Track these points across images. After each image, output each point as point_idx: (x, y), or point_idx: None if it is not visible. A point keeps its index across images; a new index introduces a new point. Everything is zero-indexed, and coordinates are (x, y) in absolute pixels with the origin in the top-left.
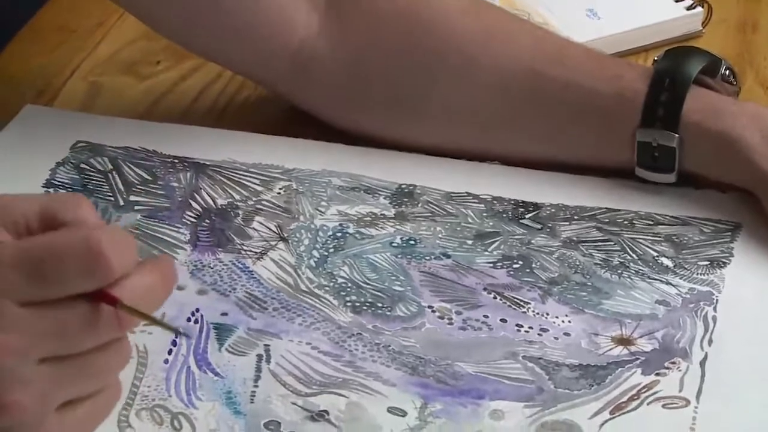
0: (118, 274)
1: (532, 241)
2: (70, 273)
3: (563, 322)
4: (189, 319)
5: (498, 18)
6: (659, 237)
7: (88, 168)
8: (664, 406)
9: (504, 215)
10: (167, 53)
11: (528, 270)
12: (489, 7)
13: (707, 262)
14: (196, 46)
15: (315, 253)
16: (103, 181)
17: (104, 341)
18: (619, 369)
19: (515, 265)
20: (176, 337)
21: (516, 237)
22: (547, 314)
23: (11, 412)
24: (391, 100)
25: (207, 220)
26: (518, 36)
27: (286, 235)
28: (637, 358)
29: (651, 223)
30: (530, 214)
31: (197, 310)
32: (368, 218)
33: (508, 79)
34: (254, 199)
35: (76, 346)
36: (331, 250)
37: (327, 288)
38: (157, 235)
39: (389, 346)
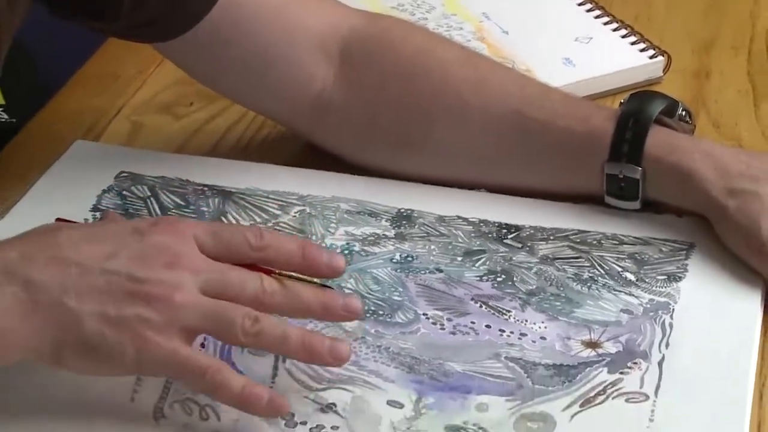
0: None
1: (514, 258)
2: (239, 240)
3: (540, 327)
4: None
5: (487, 67)
6: (623, 255)
7: (130, 195)
8: (626, 400)
9: (489, 235)
10: (199, 96)
11: (510, 283)
12: (480, 57)
13: (665, 277)
14: (226, 92)
15: None
16: (142, 206)
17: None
18: (588, 368)
19: (499, 279)
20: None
21: (499, 254)
22: (526, 321)
23: (161, 301)
24: (396, 139)
25: None
26: (505, 82)
27: None
28: (604, 359)
29: (616, 242)
30: (512, 235)
31: None
32: (371, 238)
33: (496, 120)
34: (273, 221)
35: (229, 293)
36: None
37: None
38: None
39: (389, 348)
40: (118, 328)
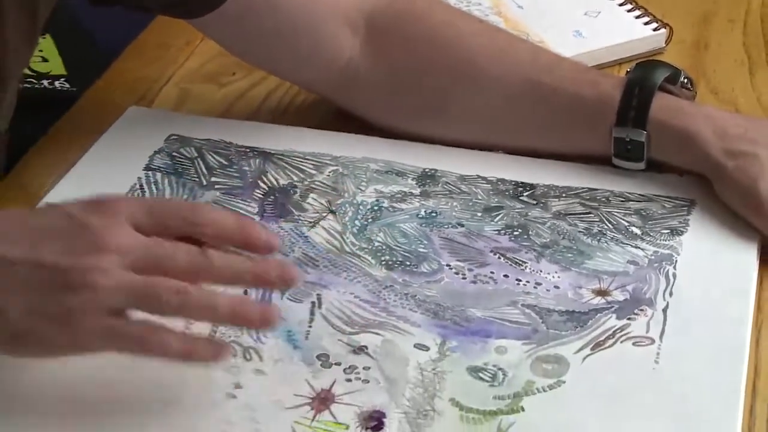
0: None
1: (529, 214)
2: (174, 215)
3: (553, 277)
4: None
5: (504, 38)
6: (630, 211)
7: (179, 156)
8: (634, 343)
9: (506, 193)
10: (240, 67)
11: (526, 236)
12: (496, 30)
13: (668, 231)
14: (259, 63)
15: (357, 222)
16: (190, 166)
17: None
18: (598, 314)
19: (515, 233)
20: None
21: (516, 210)
22: (541, 271)
23: (86, 287)
24: (419, 105)
25: (272, 197)
26: (519, 52)
27: (334, 208)
28: (612, 306)
29: (623, 200)
30: (527, 193)
31: None
32: (399, 195)
33: (511, 87)
34: (309, 180)
35: (160, 267)
36: (370, 220)
37: (366, 250)
38: (232, 208)
39: (415, 295)
40: (45, 320)
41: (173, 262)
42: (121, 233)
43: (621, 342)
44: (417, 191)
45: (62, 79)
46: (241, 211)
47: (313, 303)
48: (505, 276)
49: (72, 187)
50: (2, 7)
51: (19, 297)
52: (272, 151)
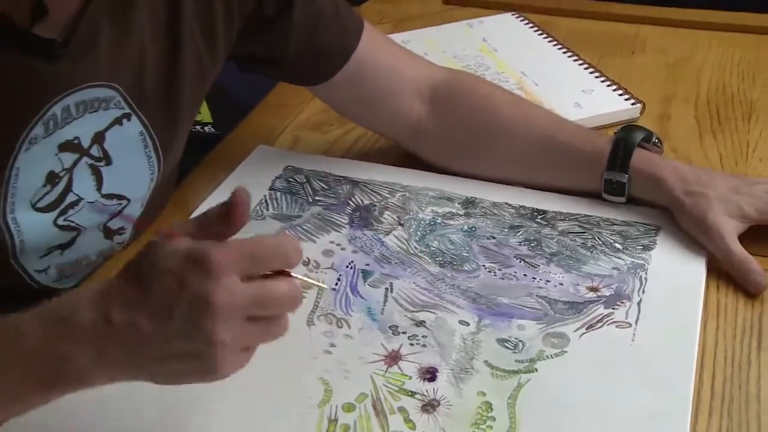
0: (297, 263)
1: (542, 231)
2: (271, 259)
3: (559, 277)
4: (347, 266)
5: (526, 105)
6: (614, 232)
7: (293, 181)
8: (616, 326)
9: (526, 216)
10: (337, 119)
11: (539, 247)
12: (522, 99)
13: (642, 247)
14: (353, 118)
15: (418, 233)
16: (300, 189)
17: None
18: (591, 304)
19: (532, 244)
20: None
21: (533, 228)
22: (550, 272)
23: (216, 347)
24: (465, 153)
25: (358, 212)
26: (538, 116)
27: (402, 222)
28: (601, 299)
29: (609, 223)
30: (540, 216)
31: (352, 261)
32: (448, 214)
33: (532, 141)
34: (384, 201)
35: (268, 310)
36: (428, 232)
37: (425, 252)
38: (330, 219)
39: (460, 286)
40: (187, 377)
41: (276, 303)
42: (227, 293)
43: (607, 325)
44: (462, 212)
45: (209, 125)
46: (336, 221)
47: (386, 289)
48: (524, 275)
49: (222, 199)
50: (204, 71)
51: (163, 367)
52: (359, 180)
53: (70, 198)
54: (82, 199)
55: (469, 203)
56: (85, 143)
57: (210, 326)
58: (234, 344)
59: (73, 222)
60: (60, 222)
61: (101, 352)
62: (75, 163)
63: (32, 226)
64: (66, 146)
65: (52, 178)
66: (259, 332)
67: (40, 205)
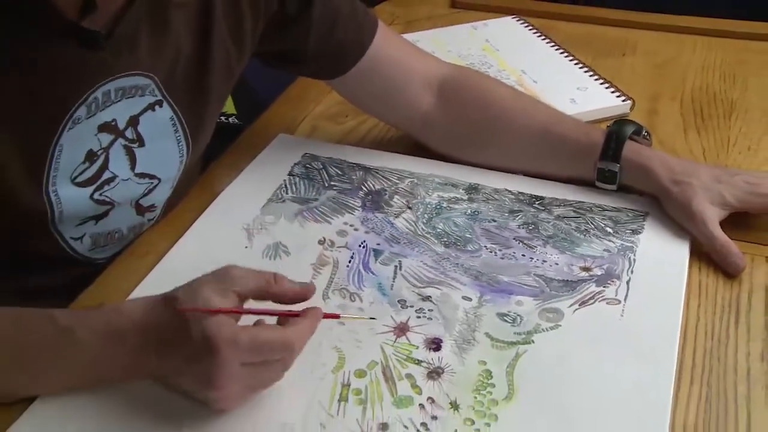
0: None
1: (539, 216)
2: (274, 353)
3: (555, 258)
4: (360, 245)
5: (526, 99)
6: (606, 217)
7: (310, 167)
8: (607, 303)
9: (524, 202)
10: (352, 111)
11: (537, 230)
12: (522, 94)
13: (630, 231)
14: (367, 109)
15: (425, 215)
16: (317, 174)
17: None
18: (584, 283)
19: (530, 228)
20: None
21: (530, 213)
22: (546, 253)
23: (222, 399)
24: (469, 142)
25: (370, 196)
26: (537, 110)
27: (410, 205)
28: (593, 278)
29: (601, 209)
30: (538, 202)
31: (364, 241)
32: (453, 199)
33: (531, 133)
34: (394, 186)
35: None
36: (434, 215)
37: (431, 233)
38: (344, 202)
39: (463, 265)
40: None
41: (270, 349)
42: (231, 364)
43: (598, 302)
44: (465, 197)
45: (233, 117)
46: (349, 204)
47: (395, 266)
48: (523, 255)
49: (245, 183)
50: (231, 67)
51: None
52: (371, 167)
53: (107, 175)
54: (117, 176)
55: (472, 189)
56: (121, 125)
57: (215, 385)
58: (239, 390)
59: (108, 197)
60: (96, 196)
61: (138, 371)
62: (111, 143)
63: (71, 198)
64: (104, 127)
65: (91, 156)
66: (256, 387)
67: (79, 180)
